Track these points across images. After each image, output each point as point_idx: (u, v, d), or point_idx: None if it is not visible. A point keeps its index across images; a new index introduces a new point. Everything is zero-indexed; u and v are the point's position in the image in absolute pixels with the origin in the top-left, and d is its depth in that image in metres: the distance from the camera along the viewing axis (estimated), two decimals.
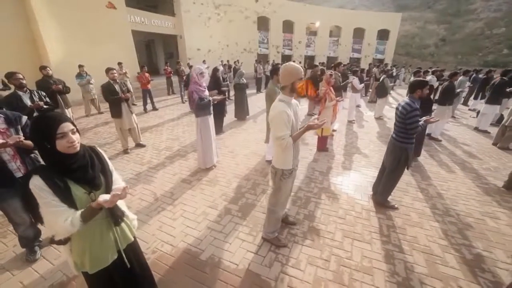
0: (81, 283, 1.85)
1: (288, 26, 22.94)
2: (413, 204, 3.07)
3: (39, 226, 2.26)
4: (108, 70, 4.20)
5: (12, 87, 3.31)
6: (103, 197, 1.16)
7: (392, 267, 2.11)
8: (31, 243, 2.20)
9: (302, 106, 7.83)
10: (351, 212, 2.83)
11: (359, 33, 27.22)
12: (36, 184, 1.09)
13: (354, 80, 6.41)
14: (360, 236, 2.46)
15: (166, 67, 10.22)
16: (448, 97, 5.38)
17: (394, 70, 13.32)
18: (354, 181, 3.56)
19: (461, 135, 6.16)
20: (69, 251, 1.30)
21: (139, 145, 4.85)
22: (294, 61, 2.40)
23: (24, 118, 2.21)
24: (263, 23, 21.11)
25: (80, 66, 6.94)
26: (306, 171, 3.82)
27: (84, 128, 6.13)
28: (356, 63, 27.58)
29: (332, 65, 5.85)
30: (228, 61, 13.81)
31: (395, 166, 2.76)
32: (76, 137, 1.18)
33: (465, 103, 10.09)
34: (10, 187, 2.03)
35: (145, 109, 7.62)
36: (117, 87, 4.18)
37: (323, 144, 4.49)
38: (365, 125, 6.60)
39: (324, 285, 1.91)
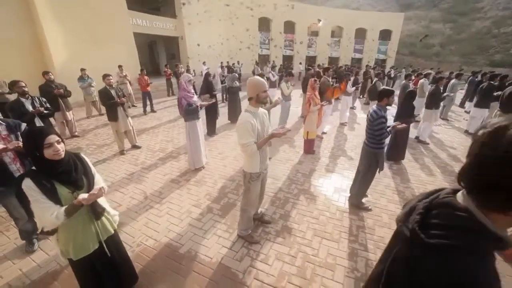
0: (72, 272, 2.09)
1: (289, 27, 23.03)
2: (387, 206, 3.25)
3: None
4: (104, 76, 4.45)
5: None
6: (82, 196, 1.41)
7: (354, 264, 2.30)
8: (30, 235, 2.46)
9: (297, 107, 8.00)
10: (325, 213, 3.02)
11: (361, 33, 27.15)
12: (27, 185, 1.35)
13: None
14: (329, 235, 2.65)
15: (166, 69, 10.49)
16: (434, 101, 5.50)
17: (392, 71, 13.35)
18: (334, 183, 3.75)
19: (451, 138, 6.28)
20: (56, 240, 1.55)
21: (135, 147, 5.11)
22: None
23: (23, 125, 2.47)
24: (264, 24, 21.27)
25: (82, 70, 7.24)
26: (290, 173, 4.03)
27: (85, 129, 6.43)
28: (358, 63, 27.54)
29: (321, 69, 6.01)
30: (228, 62, 14.01)
31: (367, 170, 2.95)
32: (60, 147, 1.44)
33: (461, 105, 10.15)
34: (11, 186, 2.29)
35: (144, 111, 7.89)
36: (113, 92, 4.44)
37: (309, 147, 4.68)
38: (356, 128, 6.76)
39: (287, 278, 2.12)
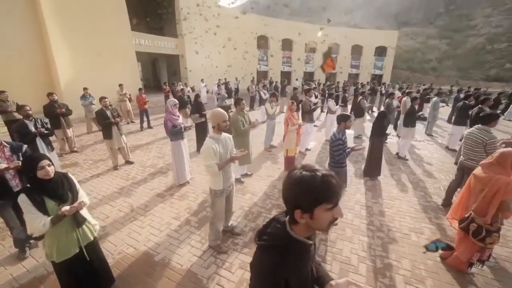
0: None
1: (287, 44, 23.99)
2: (353, 220, 3.52)
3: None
4: (101, 99, 4.91)
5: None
6: (65, 208, 1.77)
7: None
8: (23, 244, 2.77)
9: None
10: None
11: (357, 50, 28.02)
12: (22, 199, 1.73)
13: (329, 103, 6.97)
14: None
15: (164, 86, 11.07)
16: (410, 119, 5.85)
17: (383, 88, 13.82)
18: None
19: (430, 153, 6.56)
20: (42, 245, 1.88)
21: (128, 162, 5.47)
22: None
23: (25, 146, 2.87)
24: (262, 42, 22.22)
25: (85, 89, 7.77)
26: (267, 188, 4.34)
27: (84, 145, 6.85)
28: (354, 78, 28.23)
29: (304, 91, 6.43)
30: (225, 79, 14.63)
31: None
32: (50, 169, 1.83)
33: (449, 120, 10.48)
34: (10, 199, 2.65)
35: (141, 127, 8.34)
36: (108, 113, 4.87)
37: (289, 164, 5.00)
38: None
39: (245, 284, 2.39)
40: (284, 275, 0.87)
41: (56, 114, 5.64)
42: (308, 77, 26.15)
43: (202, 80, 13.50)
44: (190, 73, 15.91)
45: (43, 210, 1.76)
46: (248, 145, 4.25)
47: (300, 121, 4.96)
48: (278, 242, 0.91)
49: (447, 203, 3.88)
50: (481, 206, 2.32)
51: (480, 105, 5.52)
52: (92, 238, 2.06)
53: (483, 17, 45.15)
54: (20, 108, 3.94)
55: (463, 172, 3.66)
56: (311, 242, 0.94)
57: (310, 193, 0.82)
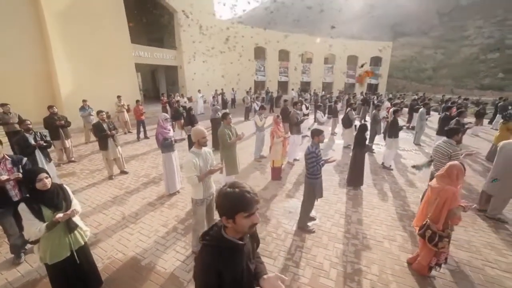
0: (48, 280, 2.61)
1: (284, 55, 24.60)
2: (331, 228, 3.74)
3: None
4: (98, 113, 5.21)
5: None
6: (59, 215, 2.02)
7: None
8: (19, 250, 3.00)
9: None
10: (272, 234, 3.53)
11: (353, 60, 28.64)
12: (21, 208, 1.98)
13: (317, 114, 7.28)
14: (269, 253, 3.15)
15: (162, 97, 11.43)
16: (392, 131, 6.14)
17: (375, 98, 14.19)
18: (289, 208, 4.26)
19: (415, 163, 6.79)
20: (37, 248, 2.11)
21: (123, 172, 5.72)
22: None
23: (25, 159, 3.13)
24: (260, 52, 22.81)
25: (84, 101, 8.10)
26: None
27: (82, 155, 7.11)
28: (351, 88, 28.79)
29: (293, 103, 6.74)
30: (222, 89, 15.01)
31: (306, 198, 3.50)
32: (48, 181, 2.09)
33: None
34: (10, 207, 2.89)
35: (138, 138, 8.64)
36: (105, 125, 5.16)
37: (275, 174, 5.25)
38: (329, 154, 7.33)
39: None
40: (218, 268, 1.12)
41: (55, 126, 5.93)
42: (305, 86, 26.66)
43: (199, 91, 13.90)
44: (188, 83, 16.35)
45: (40, 217, 2.01)
46: (235, 156, 4.51)
47: (285, 133, 5.24)
48: (214, 242, 1.17)
49: None
50: (434, 214, 2.57)
51: (457, 117, 5.83)
52: (83, 243, 2.30)
53: (476, 28, 46.36)
54: (21, 122, 4.23)
55: None
56: (242, 242, 1.19)
57: (230, 204, 1.09)
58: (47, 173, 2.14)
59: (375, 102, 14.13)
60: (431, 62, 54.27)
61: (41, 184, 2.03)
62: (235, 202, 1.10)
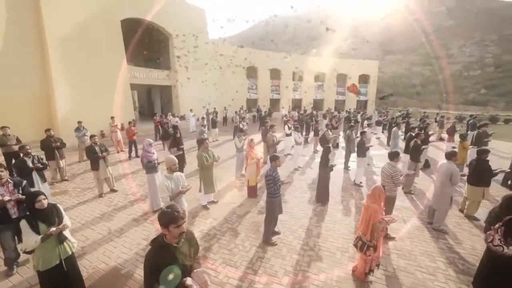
0: None
1: (275, 73, 25.77)
2: (292, 241, 4.24)
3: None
4: (91, 137, 5.80)
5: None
6: (52, 229, 2.53)
7: (240, 283, 3.27)
8: (12, 262, 3.45)
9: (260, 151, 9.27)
10: (239, 246, 4.03)
11: (342, 78, 29.97)
12: (22, 223, 2.50)
13: (295, 135, 7.93)
14: (233, 263, 3.64)
15: (155, 117, 12.08)
16: (360, 151, 6.78)
17: (359, 116, 15.00)
18: (259, 223, 4.76)
19: None
20: (32, 257, 2.61)
21: (112, 190, 6.21)
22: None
23: (24, 182, 3.66)
24: (252, 71, 23.93)
25: (79, 122, 8.68)
26: (227, 214, 5.09)
27: (75, 173, 7.60)
28: (341, 105, 29.87)
29: (269, 126, 7.38)
30: (214, 108, 15.76)
31: (268, 214, 4.04)
32: (45, 202, 2.63)
33: None
34: (9, 224, 3.38)
35: (129, 157, 9.18)
36: (97, 148, 5.72)
37: (251, 192, 5.79)
38: (307, 172, 7.92)
39: None
40: (157, 263, 1.67)
41: (52, 148, 6.47)
42: (297, 103, 27.69)
43: (191, 110, 14.62)
44: (181, 102, 17.12)
45: (36, 231, 2.52)
46: (212, 176, 5.08)
47: (259, 154, 5.84)
48: (158, 244, 1.73)
49: None
50: (364, 227, 3.14)
51: (415, 139, 6.51)
52: (70, 253, 2.79)
53: (458, 48, 48.97)
54: (21, 148, 4.78)
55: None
56: (176, 245, 1.75)
57: (165, 219, 1.68)
58: (45, 195, 2.68)
59: (358, 119, 15.00)
60: (420, 78, 56.54)
61: (39, 204, 2.57)
62: (168, 217, 1.69)
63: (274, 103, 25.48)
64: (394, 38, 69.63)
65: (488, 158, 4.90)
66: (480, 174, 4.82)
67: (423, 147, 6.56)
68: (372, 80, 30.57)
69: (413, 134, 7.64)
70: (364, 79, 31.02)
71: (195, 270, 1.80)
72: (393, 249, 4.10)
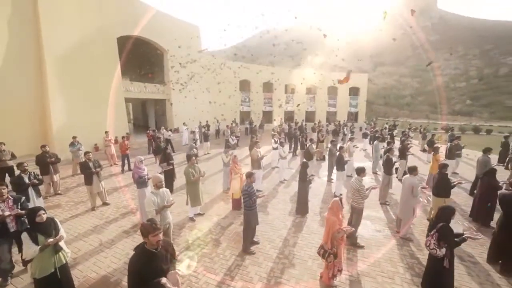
0: None
1: (268, 86, 26.59)
2: (269, 250, 4.63)
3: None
4: (85, 154, 6.19)
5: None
6: (50, 240, 2.90)
7: (219, 287, 3.65)
8: (7, 274, 3.75)
9: (246, 164, 9.71)
10: (219, 255, 4.40)
11: (333, 90, 30.93)
12: (24, 236, 2.87)
13: (279, 150, 8.43)
14: (214, 270, 4.01)
15: (148, 131, 12.50)
16: (339, 165, 7.28)
17: (345, 129, 15.63)
18: (240, 234, 5.14)
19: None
20: (30, 266, 2.96)
21: (105, 204, 6.54)
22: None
23: (23, 198, 4.03)
24: (245, 85, 24.69)
25: (74, 137, 9.04)
26: (212, 225, 5.47)
27: (68, 187, 7.91)
28: (333, 116, 30.69)
29: (254, 142, 7.88)
30: (207, 121, 16.25)
31: (244, 226, 4.46)
32: (44, 216, 3.01)
33: None
34: (7, 237, 3.72)
35: (122, 170, 9.52)
36: (91, 164, 6.10)
37: (235, 205, 6.19)
38: (291, 185, 8.35)
39: None
40: (139, 267, 2.08)
41: (46, 163, 6.82)
42: (290, 115, 28.41)
43: (184, 124, 15.10)
44: (175, 115, 17.61)
45: (36, 242, 2.89)
46: (198, 190, 5.50)
47: (242, 170, 6.29)
48: (139, 250, 2.15)
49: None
50: (325, 237, 3.58)
51: (387, 153, 7.04)
52: (64, 262, 3.14)
53: (444, 60, 51.12)
54: (19, 165, 5.14)
55: (352, 211, 4.97)
56: (154, 251, 2.17)
57: (145, 229, 2.11)
58: (44, 210, 3.07)
59: (345, 132, 15.62)
60: (409, 89, 58.31)
61: (39, 218, 2.95)
62: (147, 229, 2.13)
63: (267, 115, 26.14)
64: (384, 51, 72.02)
65: (447, 172, 5.42)
66: (441, 186, 5.33)
67: (394, 161, 7.08)
68: (362, 92, 31.60)
69: (389, 147, 8.23)
70: (354, 91, 32.07)
71: (169, 272, 2.21)
72: (360, 256, 4.52)
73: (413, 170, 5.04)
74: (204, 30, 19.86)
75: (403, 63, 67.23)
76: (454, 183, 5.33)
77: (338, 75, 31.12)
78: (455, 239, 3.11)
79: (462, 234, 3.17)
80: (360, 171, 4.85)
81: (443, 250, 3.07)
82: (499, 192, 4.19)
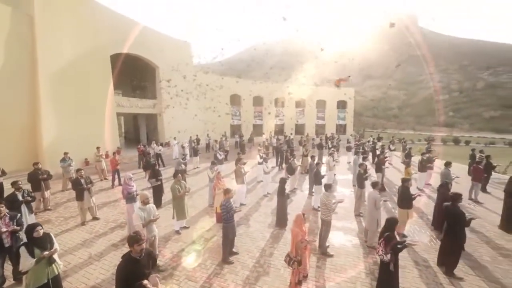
0: None
1: (258, 100, 27.43)
2: (246, 260, 5.07)
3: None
4: (77, 171, 6.58)
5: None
6: (45, 253, 3.30)
7: None
8: None
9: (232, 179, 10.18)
10: (201, 265, 4.82)
11: (321, 104, 31.98)
12: (22, 249, 3.26)
13: (263, 166, 8.98)
14: (194, 278, 4.42)
15: (139, 145, 12.90)
16: (317, 179, 7.85)
17: (330, 143, 16.34)
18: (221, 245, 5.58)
19: (343, 204, 8.40)
20: (25, 277, 3.33)
21: (95, 218, 6.86)
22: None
23: (18, 215, 4.41)
24: (235, 98, 25.45)
25: (65, 153, 9.37)
26: (196, 238, 5.88)
27: (58, 202, 8.19)
28: (321, 129, 31.55)
29: (238, 159, 8.40)
30: (197, 135, 16.72)
31: (223, 238, 4.92)
32: (41, 231, 3.41)
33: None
34: (1, 252, 4.07)
35: (112, 185, 9.84)
36: (83, 181, 6.49)
37: (219, 218, 6.61)
38: (273, 199, 8.81)
39: None
40: (126, 272, 2.54)
41: (38, 180, 7.14)
42: (280, 128, 29.17)
43: (174, 138, 15.55)
44: (166, 130, 18.06)
45: (32, 255, 3.29)
46: (184, 205, 5.95)
47: (226, 185, 6.78)
48: (126, 258, 2.61)
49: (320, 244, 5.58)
50: (291, 246, 4.08)
51: (359, 169, 7.67)
52: (57, 273, 3.53)
53: (427, 74, 53.78)
54: (14, 183, 5.49)
55: (321, 223, 5.49)
56: (138, 258, 2.63)
57: (131, 240, 2.60)
58: (41, 226, 3.49)
59: (329, 145, 16.34)
60: (396, 101, 60.43)
61: (36, 233, 3.34)
62: (133, 239, 2.61)
63: (258, 129, 26.80)
64: (372, 64, 74.81)
65: (408, 185, 6.04)
66: (403, 198, 5.93)
67: (365, 176, 7.68)
68: (349, 105, 32.78)
69: (363, 161, 8.89)
70: (342, 104, 33.25)
71: (151, 275, 2.68)
72: (329, 264, 5.00)
73: (375, 185, 5.65)
74: (196, 46, 20.67)
75: (390, 76, 69.89)
76: (414, 196, 5.95)
77: (326, 90, 32.44)
78: (398, 246, 3.66)
79: (404, 242, 3.73)
80: (327, 188, 5.43)
81: (389, 256, 3.61)
82: (444, 204, 4.79)
